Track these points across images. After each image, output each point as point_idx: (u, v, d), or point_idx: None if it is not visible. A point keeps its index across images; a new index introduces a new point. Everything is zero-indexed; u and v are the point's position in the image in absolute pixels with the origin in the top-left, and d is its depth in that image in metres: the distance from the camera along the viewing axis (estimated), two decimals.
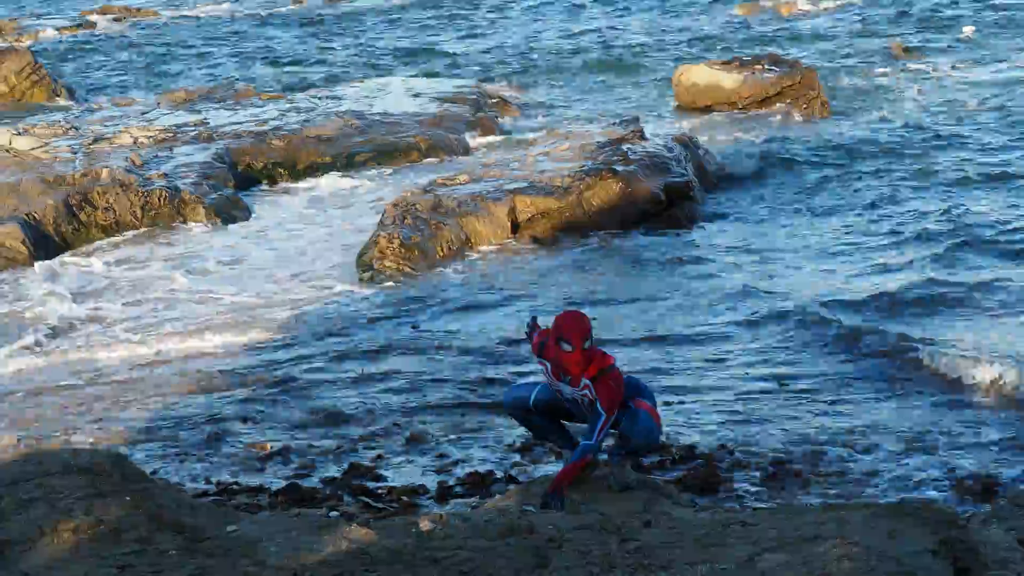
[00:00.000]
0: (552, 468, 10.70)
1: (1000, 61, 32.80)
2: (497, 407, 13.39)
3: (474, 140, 26.79)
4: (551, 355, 8.94)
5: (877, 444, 12.12)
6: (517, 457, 11.86)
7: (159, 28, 46.43)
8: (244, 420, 13.42)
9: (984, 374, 13.53)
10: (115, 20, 48.15)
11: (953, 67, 32.26)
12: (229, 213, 22.04)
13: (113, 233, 20.98)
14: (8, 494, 8.01)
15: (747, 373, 14.32)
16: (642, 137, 22.59)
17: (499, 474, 11.25)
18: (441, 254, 18.98)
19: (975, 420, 12.67)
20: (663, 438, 11.62)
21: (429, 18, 45.26)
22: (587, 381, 8.83)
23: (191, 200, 21.72)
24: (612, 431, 9.28)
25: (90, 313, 17.57)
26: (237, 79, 34.60)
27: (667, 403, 13.24)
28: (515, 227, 20.12)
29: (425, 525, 8.05)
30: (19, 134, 25.39)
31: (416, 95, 30.06)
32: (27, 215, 20.35)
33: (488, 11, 45.95)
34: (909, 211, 20.57)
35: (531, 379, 9.61)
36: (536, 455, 11.80)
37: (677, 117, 28.76)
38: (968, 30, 36.63)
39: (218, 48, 41.83)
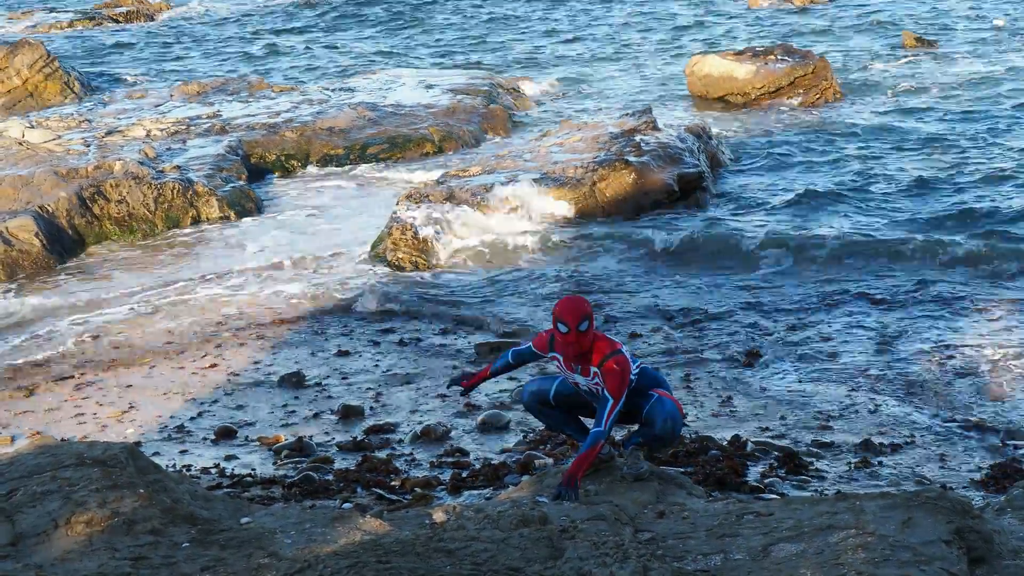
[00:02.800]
0: (566, 461, 10.70)
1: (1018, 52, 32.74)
2: (506, 404, 13.47)
3: (487, 131, 26.82)
4: (558, 346, 8.92)
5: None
6: (530, 449, 11.86)
7: (171, 20, 46.46)
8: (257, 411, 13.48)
9: None
10: (128, 13, 48.16)
11: (968, 58, 32.15)
12: (242, 205, 22.04)
13: (125, 226, 21.00)
14: (22, 487, 8.02)
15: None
16: (655, 128, 22.55)
17: (512, 466, 11.24)
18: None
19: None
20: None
21: (440, 10, 45.24)
22: (595, 369, 8.75)
23: (204, 192, 21.73)
24: (630, 425, 9.25)
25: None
26: (250, 71, 34.61)
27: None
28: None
29: (438, 517, 8.05)
30: (32, 127, 25.42)
31: (429, 87, 30.06)
32: (40, 208, 20.37)
33: (501, 2, 45.91)
34: (922, 204, 20.55)
35: (549, 371, 9.48)
36: (550, 447, 11.80)
37: (690, 108, 28.73)
38: (999, 21, 36.47)
39: (231, 40, 41.84)
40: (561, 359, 8.97)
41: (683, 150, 21.79)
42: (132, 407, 13.78)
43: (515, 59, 35.76)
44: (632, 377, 8.86)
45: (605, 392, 8.70)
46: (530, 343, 9.33)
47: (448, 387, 9.49)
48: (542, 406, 9.37)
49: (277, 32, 42.74)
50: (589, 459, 8.74)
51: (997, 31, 35.48)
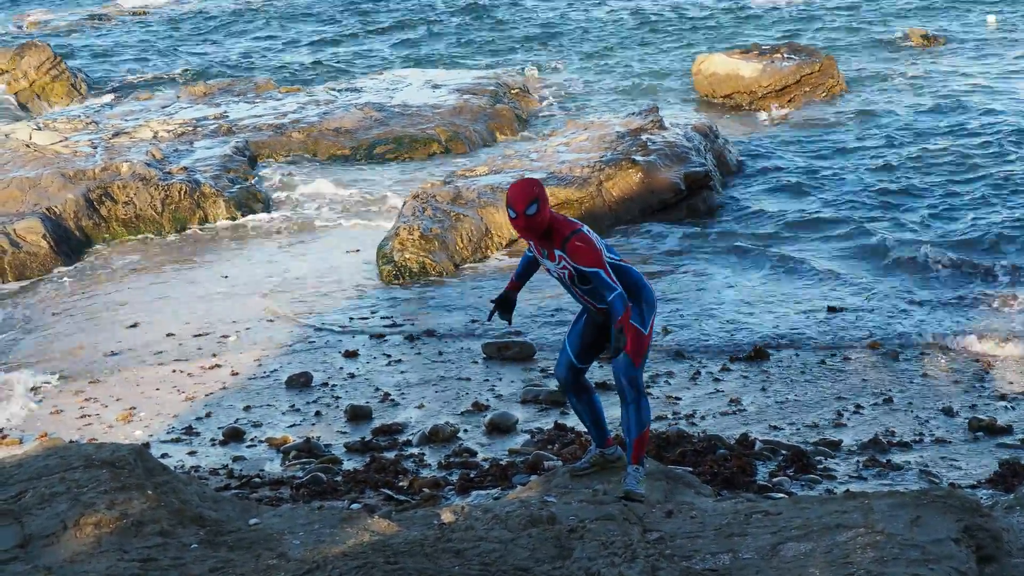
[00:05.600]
0: (576, 461, 10.68)
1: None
2: (513, 401, 13.48)
3: (494, 131, 26.83)
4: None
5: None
6: (539, 449, 11.86)
7: (175, 20, 46.41)
8: (266, 412, 13.49)
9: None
10: (133, 13, 48.16)
11: (974, 53, 32.10)
12: (249, 206, 22.05)
13: (132, 227, 21.02)
14: (31, 488, 8.03)
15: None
16: (661, 127, 22.54)
17: (521, 466, 11.25)
18: (460, 245, 18.96)
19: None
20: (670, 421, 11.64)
21: (442, 7, 45.21)
22: (559, 252, 8.57)
23: (211, 193, 21.74)
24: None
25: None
26: (256, 71, 34.61)
27: (677, 398, 13.30)
28: None
29: (447, 517, 8.05)
30: (39, 129, 25.45)
31: (435, 86, 30.06)
32: (47, 210, 20.40)
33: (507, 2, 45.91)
34: (930, 201, 20.53)
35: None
36: (558, 447, 11.80)
37: (696, 106, 28.71)
38: (992, 20, 36.40)
39: (234, 39, 41.82)
40: (533, 246, 8.83)
41: (690, 149, 21.78)
42: (138, 408, 13.78)
43: (521, 58, 35.71)
44: (601, 248, 8.63)
45: (586, 269, 8.48)
46: None
47: (490, 319, 9.38)
48: (577, 386, 9.18)
49: (284, 30, 42.70)
50: (626, 318, 8.41)
51: (993, 26, 35.46)
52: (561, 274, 8.71)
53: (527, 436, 12.37)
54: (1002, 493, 10.13)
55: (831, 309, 15.91)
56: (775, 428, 12.41)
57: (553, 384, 13.30)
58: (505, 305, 9.23)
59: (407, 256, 18.38)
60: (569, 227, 8.60)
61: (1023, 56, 31.64)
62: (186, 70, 36.41)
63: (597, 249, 8.56)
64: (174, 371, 14.99)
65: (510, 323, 9.56)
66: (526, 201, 8.42)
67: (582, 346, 9.06)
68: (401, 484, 11.05)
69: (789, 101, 28.06)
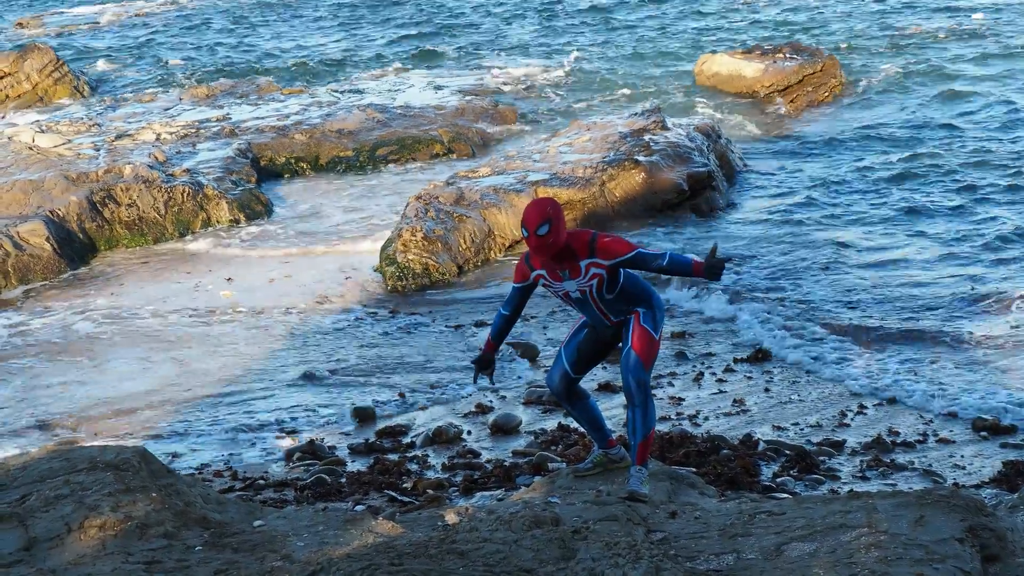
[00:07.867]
0: (579, 463, 10.69)
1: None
2: (516, 402, 13.48)
3: (496, 132, 26.82)
4: (534, 260, 8.54)
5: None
6: (542, 450, 11.86)
7: (176, 22, 46.43)
8: (272, 416, 13.49)
9: None
10: (136, 15, 48.22)
11: (973, 52, 32.08)
12: (252, 208, 22.05)
13: (136, 230, 21.00)
14: (35, 491, 8.03)
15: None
16: (664, 127, 22.52)
17: (524, 466, 11.25)
18: (463, 246, 18.96)
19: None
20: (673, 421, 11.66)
21: (445, 6, 45.23)
22: (587, 262, 8.41)
23: (214, 195, 21.74)
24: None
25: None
26: (259, 72, 34.58)
27: (680, 399, 13.31)
28: None
29: (451, 518, 8.05)
30: (42, 131, 25.46)
31: (437, 88, 30.09)
32: (51, 212, 20.39)
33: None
34: (932, 200, 20.51)
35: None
36: (562, 448, 11.80)
37: (699, 106, 28.68)
38: (977, 17, 36.39)
39: (237, 38, 41.82)
40: (546, 273, 8.58)
41: (692, 149, 21.77)
42: (143, 409, 13.80)
43: (523, 60, 35.68)
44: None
45: (626, 255, 8.39)
46: (512, 284, 8.86)
47: (476, 382, 9.34)
48: (570, 394, 9.10)
49: (287, 30, 42.69)
50: (696, 270, 8.37)
51: (984, 23, 35.48)
52: (587, 287, 8.52)
53: (531, 437, 12.38)
54: (1006, 493, 10.13)
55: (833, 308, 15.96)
56: (779, 428, 12.41)
57: None
58: (485, 366, 9.10)
59: (410, 257, 18.37)
60: (587, 233, 8.48)
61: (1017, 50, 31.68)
62: (190, 73, 36.40)
63: (622, 239, 8.51)
64: (176, 371, 15.00)
65: (491, 382, 9.55)
66: (537, 221, 8.27)
67: (579, 357, 8.96)
68: (405, 486, 11.05)
69: (791, 101, 28.05)
